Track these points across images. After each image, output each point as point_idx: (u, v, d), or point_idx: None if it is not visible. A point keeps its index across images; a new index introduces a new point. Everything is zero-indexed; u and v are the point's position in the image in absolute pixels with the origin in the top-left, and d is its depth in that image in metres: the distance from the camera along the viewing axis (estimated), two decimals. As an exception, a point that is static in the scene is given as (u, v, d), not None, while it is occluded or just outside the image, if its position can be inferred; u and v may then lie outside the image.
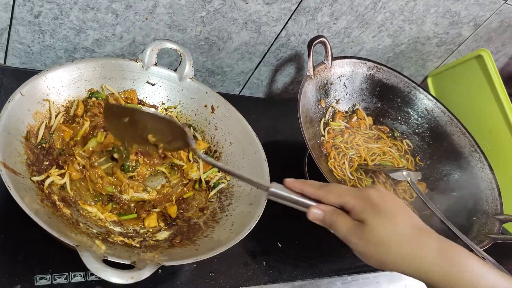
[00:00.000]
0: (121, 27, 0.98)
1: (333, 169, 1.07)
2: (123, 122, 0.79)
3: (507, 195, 1.15)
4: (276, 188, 0.67)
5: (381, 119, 1.25)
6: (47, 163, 0.80)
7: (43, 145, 0.80)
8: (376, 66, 1.20)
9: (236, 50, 1.14)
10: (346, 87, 1.19)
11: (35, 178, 0.74)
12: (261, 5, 1.04)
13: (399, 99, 1.24)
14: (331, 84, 1.14)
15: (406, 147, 1.24)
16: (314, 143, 1.07)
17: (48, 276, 0.72)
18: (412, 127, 1.25)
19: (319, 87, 1.11)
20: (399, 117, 1.25)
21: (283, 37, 1.15)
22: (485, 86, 1.30)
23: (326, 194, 0.65)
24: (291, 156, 1.16)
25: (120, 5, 0.94)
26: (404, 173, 1.06)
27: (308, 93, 1.06)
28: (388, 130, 1.25)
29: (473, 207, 1.11)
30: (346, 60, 1.16)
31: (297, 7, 1.08)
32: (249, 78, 1.25)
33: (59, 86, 0.84)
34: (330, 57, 1.11)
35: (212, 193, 0.90)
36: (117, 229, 0.80)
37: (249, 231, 0.75)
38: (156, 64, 0.95)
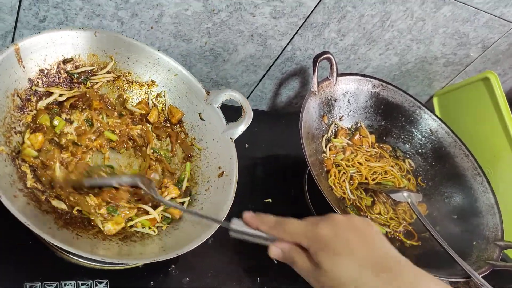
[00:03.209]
0: (126, 34, 0.98)
1: (333, 186, 1.06)
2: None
3: (509, 221, 1.13)
4: (236, 225, 0.63)
5: (384, 138, 1.24)
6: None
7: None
8: (381, 84, 1.19)
9: (241, 62, 1.14)
10: (350, 104, 1.18)
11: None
12: (268, 18, 1.04)
13: (403, 118, 1.23)
14: (335, 100, 1.14)
15: (408, 167, 1.23)
16: (315, 159, 1.06)
17: (38, 284, 0.71)
18: (415, 147, 1.24)
19: (322, 103, 1.10)
20: (403, 136, 1.24)
21: (289, 51, 1.15)
22: (491, 109, 1.29)
23: (280, 233, 0.61)
24: (291, 170, 1.16)
25: (126, 13, 0.94)
26: (405, 194, 1.05)
27: (311, 109, 1.05)
28: (391, 149, 1.23)
29: (473, 231, 1.09)
30: (351, 77, 1.15)
31: (304, 22, 1.07)
32: (253, 90, 1.25)
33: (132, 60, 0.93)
34: (335, 74, 1.10)
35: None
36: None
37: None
38: (219, 106, 0.94)
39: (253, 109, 1.28)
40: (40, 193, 0.73)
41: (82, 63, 0.88)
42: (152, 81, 0.95)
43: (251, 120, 0.92)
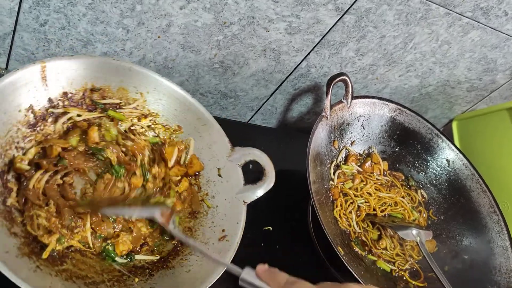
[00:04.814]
0: (131, 42, 0.93)
1: (338, 218, 1.00)
2: None
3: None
4: (247, 275, 0.61)
5: (397, 165, 1.17)
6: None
7: None
8: (398, 108, 1.13)
9: (252, 76, 1.08)
10: (364, 128, 1.11)
11: None
12: (282, 34, 0.97)
13: (419, 145, 1.16)
14: (348, 124, 1.07)
15: (420, 198, 1.16)
16: (321, 187, 1.00)
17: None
18: (429, 177, 1.17)
19: (334, 127, 1.04)
20: (417, 165, 1.17)
21: (303, 68, 1.09)
22: (513, 141, 1.22)
23: None
24: (296, 195, 1.09)
25: (132, 21, 0.88)
26: (414, 232, 0.98)
27: (322, 133, 0.99)
28: (403, 177, 1.16)
29: (484, 275, 1.03)
30: (367, 100, 1.09)
31: (321, 39, 1.01)
32: (263, 104, 1.19)
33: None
34: (350, 96, 1.04)
35: None
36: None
37: None
38: (241, 165, 0.88)
39: (260, 126, 1.24)
40: (17, 213, 0.68)
41: (110, 95, 0.84)
42: (178, 126, 0.90)
43: (271, 186, 0.84)
